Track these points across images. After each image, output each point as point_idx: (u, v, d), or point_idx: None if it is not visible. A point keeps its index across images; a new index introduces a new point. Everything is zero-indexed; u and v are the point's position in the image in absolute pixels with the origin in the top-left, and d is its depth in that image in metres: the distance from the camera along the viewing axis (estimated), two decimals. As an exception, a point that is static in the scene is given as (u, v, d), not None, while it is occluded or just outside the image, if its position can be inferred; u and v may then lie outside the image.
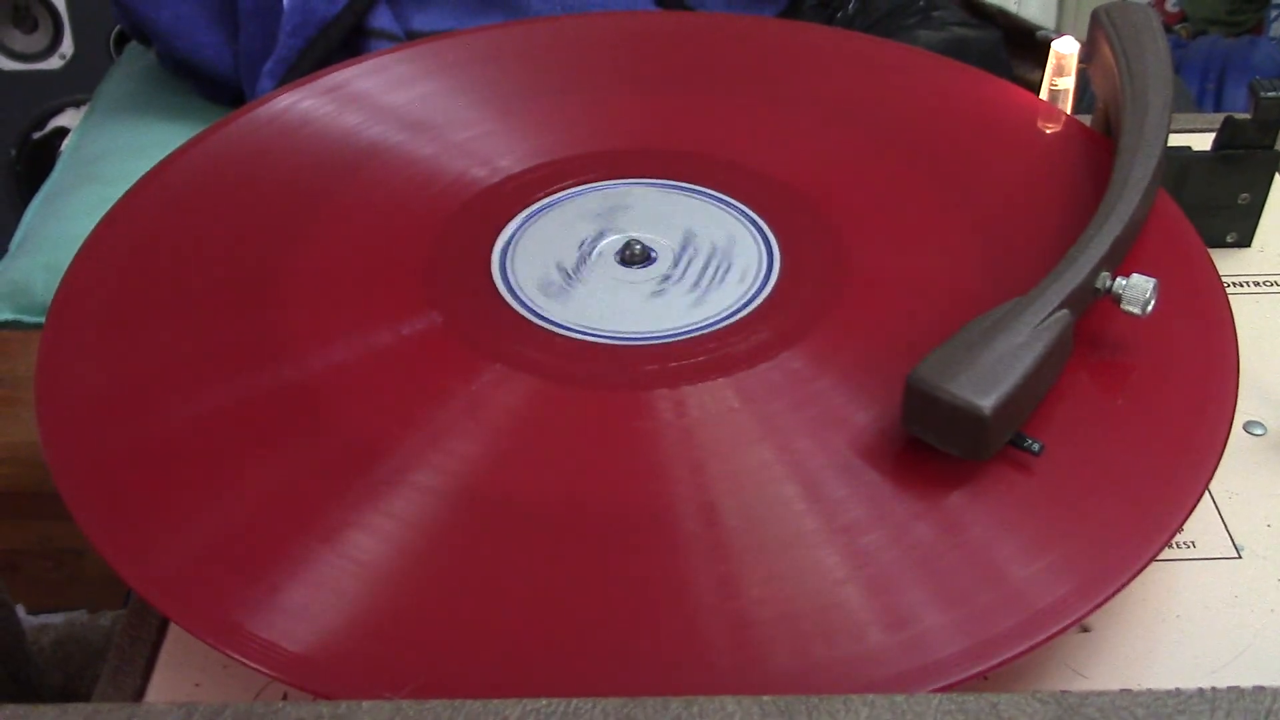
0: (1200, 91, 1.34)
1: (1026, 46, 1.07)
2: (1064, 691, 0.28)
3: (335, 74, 0.53)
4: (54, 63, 1.45)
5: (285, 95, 0.51)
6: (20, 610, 0.94)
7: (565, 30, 0.57)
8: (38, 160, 1.45)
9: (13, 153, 1.48)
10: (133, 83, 1.06)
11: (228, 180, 0.48)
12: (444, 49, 0.55)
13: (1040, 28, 1.08)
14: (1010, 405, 0.35)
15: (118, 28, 1.38)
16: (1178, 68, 1.35)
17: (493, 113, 0.51)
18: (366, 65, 0.53)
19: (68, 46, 1.44)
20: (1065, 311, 0.38)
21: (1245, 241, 0.52)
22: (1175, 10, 1.57)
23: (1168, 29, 1.52)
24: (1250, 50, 1.37)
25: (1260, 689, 0.28)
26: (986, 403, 0.35)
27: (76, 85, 1.44)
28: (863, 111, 0.51)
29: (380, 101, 0.51)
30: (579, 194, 0.47)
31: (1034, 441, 0.36)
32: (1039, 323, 0.37)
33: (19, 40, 1.45)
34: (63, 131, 1.43)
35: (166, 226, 0.46)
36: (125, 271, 0.44)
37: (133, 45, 1.10)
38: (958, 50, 1.00)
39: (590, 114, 0.51)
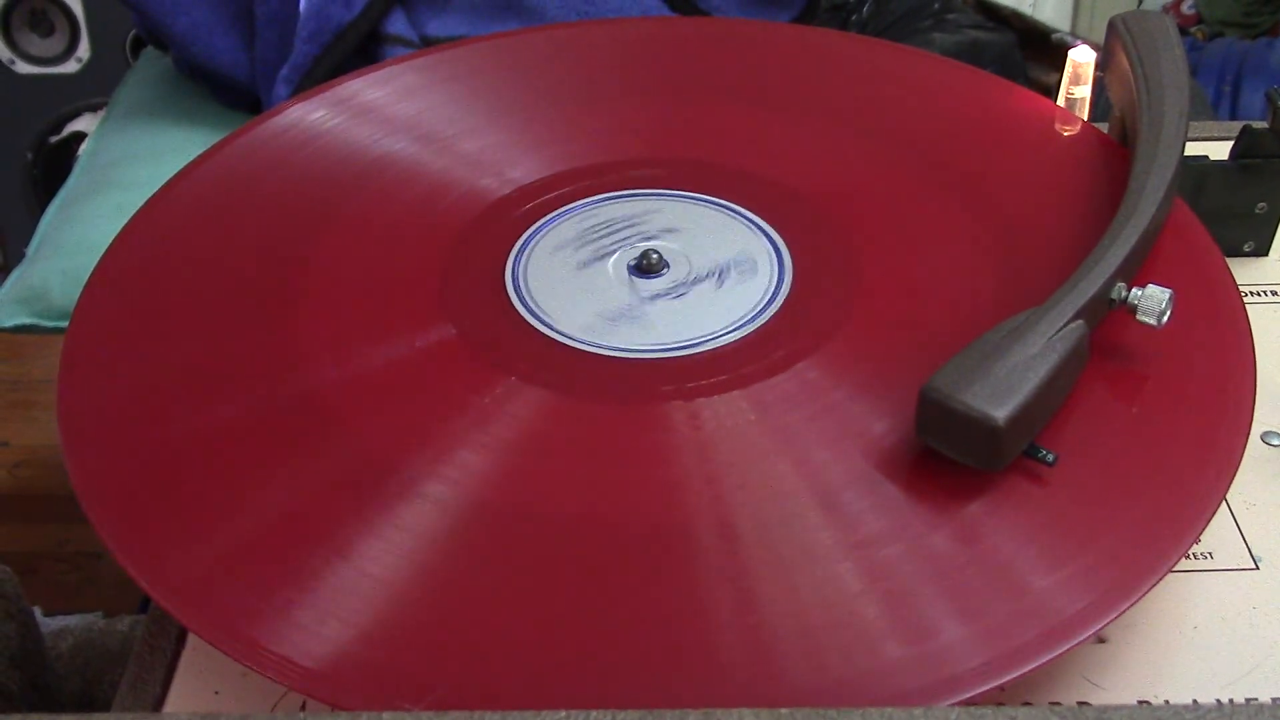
0: (1216, 94, 1.33)
1: (1041, 49, 1.06)
2: (1081, 704, 0.28)
3: (347, 84, 0.53)
4: (71, 67, 1.46)
5: (298, 106, 0.52)
6: (36, 612, 0.94)
7: (575, 38, 0.57)
8: (55, 164, 1.46)
9: (30, 157, 1.48)
10: (149, 87, 1.06)
11: (243, 192, 0.48)
12: (455, 58, 0.55)
13: (1055, 30, 1.08)
14: (1024, 416, 0.35)
15: (134, 32, 1.38)
16: (1194, 70, 1.34)
17: (503, 123, 0.51)
18: (378, 75, 0.53)
19: (84, 51, 1.45)
20: (1080, 322, 0.38)
21: (1263, 250, 0.52)
22: (1191, 12, 1.57)
23: (1184, 31, 1.52)
24: (1267, 52, 1.37)
25: (1279, 702, 0.28)
26: (1000, 413, 0.35)
27: (93, 89, 1.44)
28: (876, 119, 0.51)
29: (391, 112, 0.52)
30: (591, 205, 0.47)
31: (1048, 452, 0.36)
32: (1054, 333, 0.37)
33: (36, 44, 1.46)
34: (79, 136, 1.44)
35: (182, 237, 0.46)
36: (145, 280, 0.44)
37: (149, 50, 1.10)
38: (972, 53, 1.00)
39: (600, 123, 0.51)
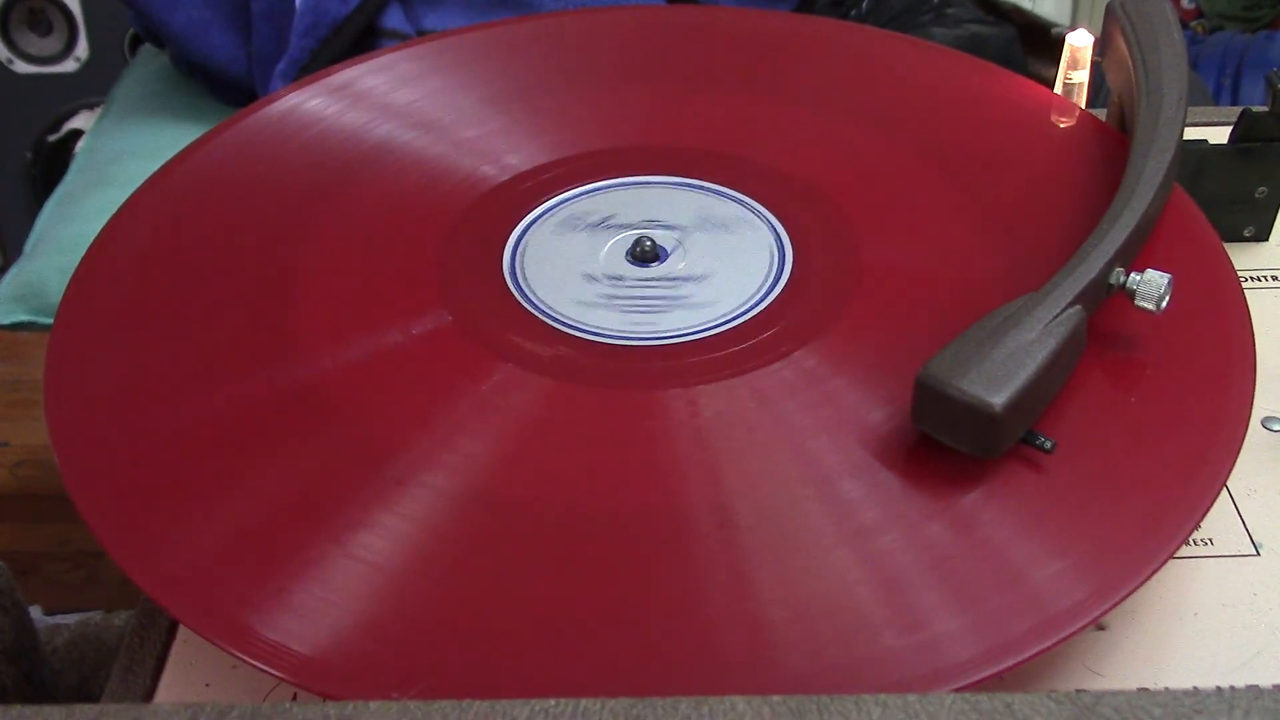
0: (1217, 87, 1.33)
1: (1042, 43, 1.06)
2: (1080, 691, 0.28)
3: (343, 72, 0.53)
4: (69, 65, 1.46)
5: (293, 94, 0.51)
6: (36, 611, 0.94)
7: (574, 25, 0.57)
8: (53, 163, 1.46)
9: (29, 155, 1.48)
10: (147, 85, 1.06)
11: (236, 180, 0.48)
12: (452, 46, 0.55)
13: (1055, 24, 1.08)
14: (1022, 402, 0.35)
15: (132, 30, 1.38)
16: (1194, 63, 1.34)
17: (501, 110, 0.51)
18: (374, 63, 0.53)
19: (83, 49, 1.45)
20: (1078, 308, 0.37)
21: (1263, 235, 0.51)
22: (1191, 6, 1.56)
23: (1184, 25, 1.51)
24: (1267, 45, 1.36)
25: None
26: (997, 400, 0.34)
27: (91, 88, 1.44)
28: (875, 107, 0.51)
29: (389, 99, 0.51)
30: (589, 191, 0.47)
31: (1046, 439, 0.36)
32: (1051, 319, 0.37)
33: (34, 43, 1.46)
34: (77, 134, 1.43)
35: (174, 226, 0.46)
36: (134, 271, 0.44)
37: (147, 48, 1.10)
38: (973, 48, 1.00)
39: (600, 110, 0.51)
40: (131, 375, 0.40)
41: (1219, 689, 0.28)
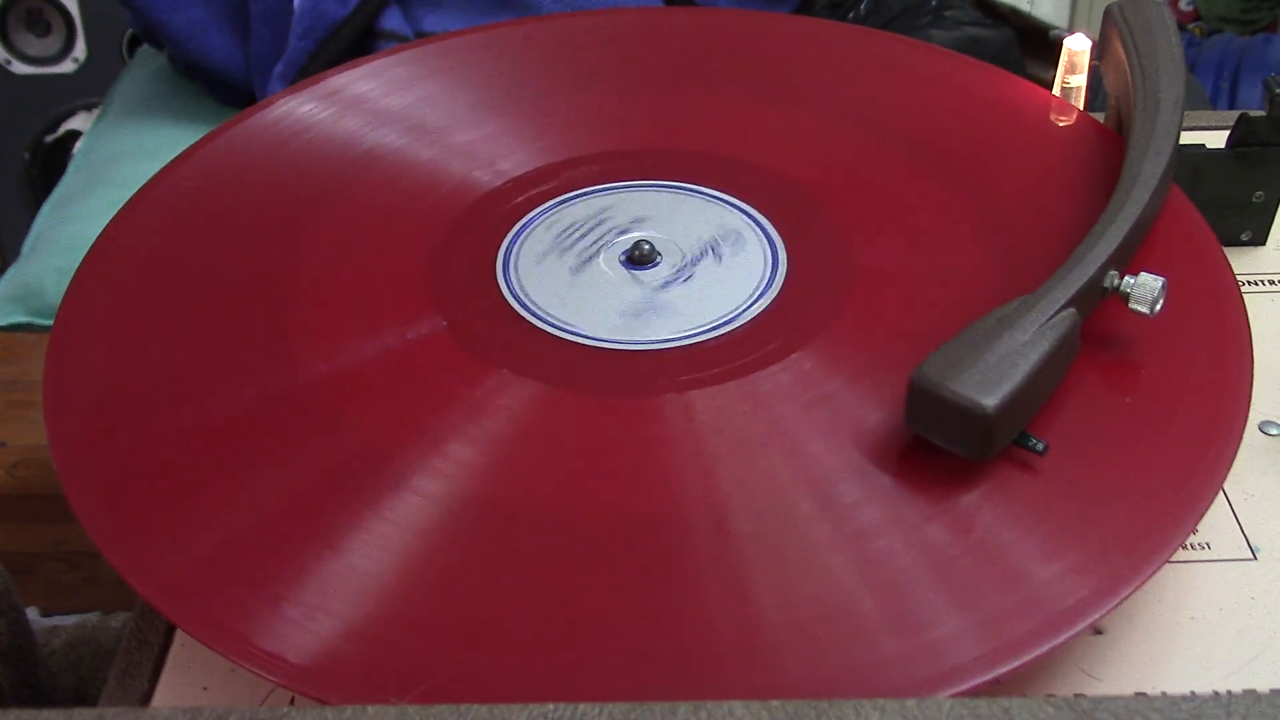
0: (1215, 90, 1.33)
1: (1040, 45, 1.06)
2: (1078, 695, 0.28)
3: (338, 76, 0.53)
4: (67, 66, 1.46)
5: (288, 99, 0.51)
6: (33, 612, 0.94)
7: (569, 29, 0.57)
8: (51, 163, 1.46)
9: (26, 156, 1.48)
10: (145, 86, 1.06)
11: (232, 185, 0.48)
12: (444, 50, 0.55)
13: (1054, 27, 1.08)
14: (1015, 404, 0.35)
15: (130, 31, 1.38)
16: (1192, 66, 1.34)
17: (495, 114, 0.51)
18: (369, 67, 0.53)
19: (80, 50, 1.45)
20: (1071, 310, 0.37)
21: (1260, 239, 0.51)
22: (1189, 9, 1.56)
23: (1181, 28, 1.51)
24: (1265, 48, 1.36)
25: (1277, 692, 0.28)
26: (990, 401, 0.34)
27: (89, 89, 1.44)
28: (872, 109, 0.51)
29: (383, 104, 0.51)
30: (584, 196, 0.47)
31: (1038, 441, 0.36)
32: (1044, 321, 0.37)
33: (32, 44, 1.46)
34: (75, 135, 1.43)
35: (170, 231, 0.46)
36: (132, 276, 0.44)
37: (145, 48, 1.10)
38: (971, 50, 1.00)
39: (594, 114, 0.51)
40: (130, 380, 0.40)
41: (1216, 693, 0.28)
